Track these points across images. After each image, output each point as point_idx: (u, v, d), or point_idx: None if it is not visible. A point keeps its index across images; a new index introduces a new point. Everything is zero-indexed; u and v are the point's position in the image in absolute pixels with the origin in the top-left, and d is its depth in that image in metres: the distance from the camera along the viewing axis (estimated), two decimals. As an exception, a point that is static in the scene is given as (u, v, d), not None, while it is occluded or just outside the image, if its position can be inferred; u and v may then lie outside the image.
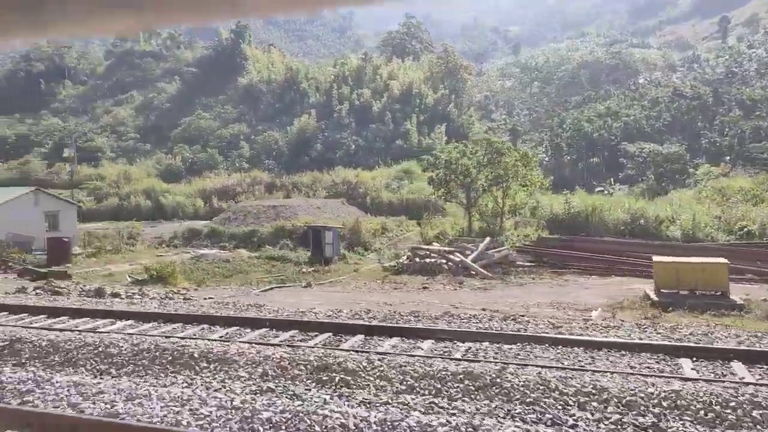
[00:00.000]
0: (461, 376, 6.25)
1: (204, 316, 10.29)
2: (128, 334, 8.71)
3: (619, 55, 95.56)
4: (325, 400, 5.65)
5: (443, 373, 6.37)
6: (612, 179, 52.02)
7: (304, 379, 6.49)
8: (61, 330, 9.08)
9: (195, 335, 9.02)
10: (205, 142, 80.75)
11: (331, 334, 9.25)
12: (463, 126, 77.76)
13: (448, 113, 77.50)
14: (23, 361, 7.56)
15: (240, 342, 8.15)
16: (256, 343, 8.07)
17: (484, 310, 12.62)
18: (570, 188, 42.03)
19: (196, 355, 7.24)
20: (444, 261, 21.16)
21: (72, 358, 7.51)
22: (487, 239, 23.02)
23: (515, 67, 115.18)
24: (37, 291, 13.49)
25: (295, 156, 72.27)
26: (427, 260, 21.43)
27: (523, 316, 11.29)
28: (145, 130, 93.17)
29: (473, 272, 20.49)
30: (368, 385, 6.23)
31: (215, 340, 8.21)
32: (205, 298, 13.57)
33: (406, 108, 76.67)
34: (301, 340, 8.92)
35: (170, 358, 7.23)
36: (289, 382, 6.39)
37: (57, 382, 6.37)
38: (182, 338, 8.38)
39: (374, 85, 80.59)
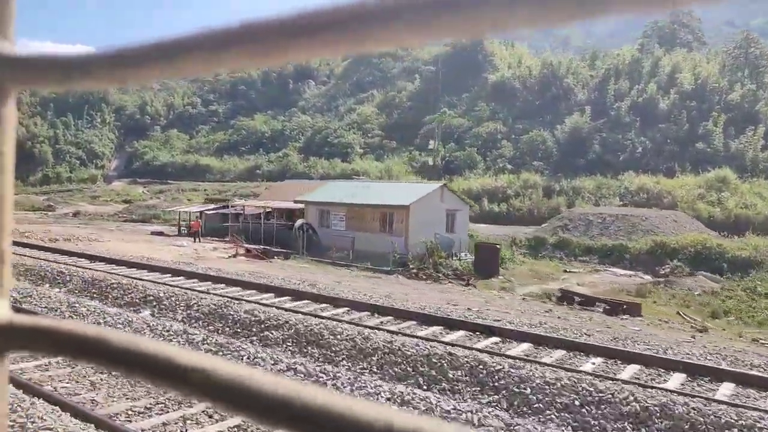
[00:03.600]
0: None
1: None
2: None
3: None
4: None
5: None
6: None
7: None
8: None
9: None
10: (458, 141, 77.43)
11: None
12: (774, 128, 63.74)
13: (757, 112, 64.05)
14: None
15: None
16: None
17: None
18: None
19: None
20: None
21: None
22: None
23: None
24: None
25: (567, 157, 65.04)
26: None
27: None
28: (388, 127, 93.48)
29: None
30: None
31: None
32: None
33: (701, 106, 65.00)
34: None
35: None
36: None
37: None
38: None
39: (657, 80, 70.01)
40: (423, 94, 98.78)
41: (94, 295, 11.29)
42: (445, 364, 6.67)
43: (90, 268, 13.98)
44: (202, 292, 11.26)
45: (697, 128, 62.35)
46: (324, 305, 10.88)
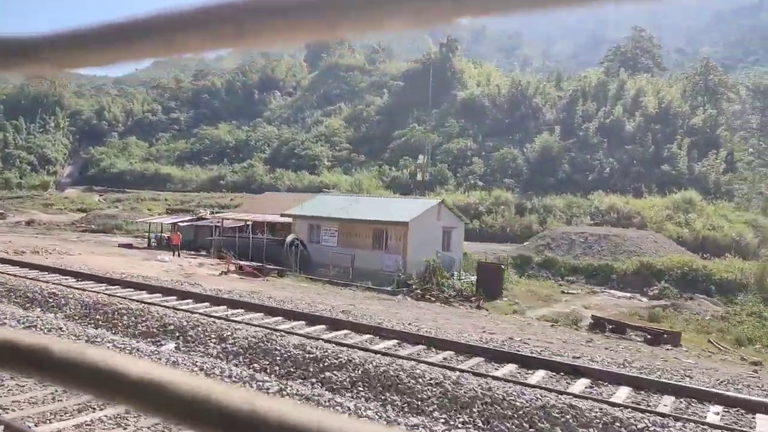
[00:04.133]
0: None
1: None
2: None
3: None
4: None
5: None
6: None
7: None
8: None
9: None
10: (430, 156, 77.18)
11: None
12: (733, 153, 66.37)
13: (718, 136, 66.61)
14: None
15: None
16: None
17: None
18: None
19: None
20: None
21: None
22: None
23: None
24: None
25: (536, 176, 65.74)
26: None
27: None
28: (356, 141, 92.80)
29: None
30: None
31: None
32: None
33: (665, 129, 67.11)
34: None
35: None
36: None
37: None
38: None
39: (623, 102, 71.95)
40: (391, 108, 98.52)
41: (100, 323, 9.77)
42: (570, 420, 5.73)
43: (83, 289, 12.31)
44: (227, 320, 9.86)
45: (662, 150, 64.16)
46: (368, 336, 9.74)
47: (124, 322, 9.73)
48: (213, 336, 8.78)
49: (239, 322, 9.77)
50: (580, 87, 76.62)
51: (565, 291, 23.36)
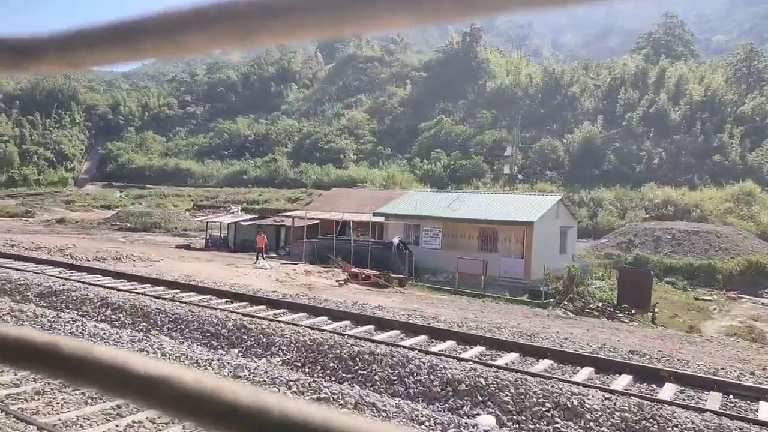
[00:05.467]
0: None
1: None
2: None
3: None
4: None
5: None
6: None
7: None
8: None
9: None
10: (462, 148, 74.40)
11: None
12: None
13: (766, 126, 63.77)
14: None
15: None
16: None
17: None
18: None
19: None
20: None
21: None
22: None
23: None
24: None
25: (580, 167, 63.02)
26: None
27: None
28: (381, 133, 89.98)
29: None
30: None
31: None
32: None
33: (713, 118, 64.32)
34: None
35: None
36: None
37: None
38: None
39: (665, 90, 69.17)
40: (415, 100, 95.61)
41: (342, 375, 6.93)
42: None
43: (264, 318, 9.30)
44: (534, 375, 6.77)
45: (712, 140, 61.46)
46: (693, 392, 6.91)
47: (380, 375, 7.25)
48: (546, 408, 6.09)
49: (560, 381, 6.97)
50: (620, 75, 73.75)
51: (699, 297, 20.84)
